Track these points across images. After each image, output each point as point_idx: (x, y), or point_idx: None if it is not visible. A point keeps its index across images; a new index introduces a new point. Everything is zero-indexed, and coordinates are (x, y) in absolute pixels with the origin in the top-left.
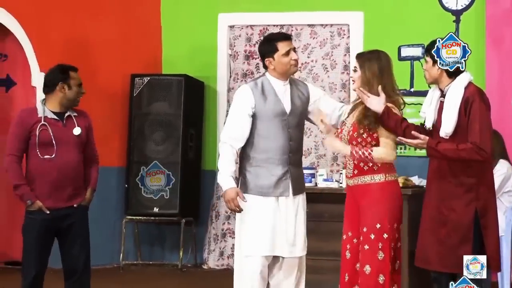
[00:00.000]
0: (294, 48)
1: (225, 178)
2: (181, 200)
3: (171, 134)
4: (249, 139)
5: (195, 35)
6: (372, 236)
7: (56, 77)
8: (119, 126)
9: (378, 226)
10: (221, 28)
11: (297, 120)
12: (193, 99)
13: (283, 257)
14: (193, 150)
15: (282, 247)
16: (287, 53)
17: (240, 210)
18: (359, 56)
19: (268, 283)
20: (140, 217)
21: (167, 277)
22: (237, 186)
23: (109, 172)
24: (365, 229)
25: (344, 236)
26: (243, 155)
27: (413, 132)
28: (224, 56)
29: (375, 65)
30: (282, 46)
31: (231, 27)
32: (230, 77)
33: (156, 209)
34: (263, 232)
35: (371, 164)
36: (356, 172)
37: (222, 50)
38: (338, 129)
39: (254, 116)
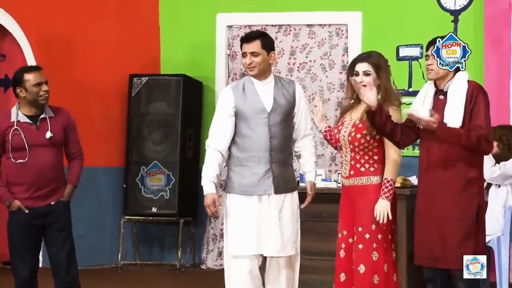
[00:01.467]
0: (253, 52)
1: (206, 183)
2: (179, 200)
3: (169, 134)
4: (233, 138)
5: (193, 35)
6: (367, 236)
7: (13, 81)
8: (117, 126)
9: (373, 226)
10: (220, 28)
11: (280, 118)
12: (191, 99)
13: (270, 257)
14: (191, 150)
15: (267, 246)
16: (243, 55)
17: (216, 217)
18: (374, 62)
19: (264, 284)
20: (139, 217)
21: (165, 277)
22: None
23: (108, 172)
24: (360, 229)
25: (339, 235)
26: (229, 155)
27: (418, 114)
28: (223, 56)
29: (386, 70)
30: (242, 48)
31: (230, 27)
32: (229, 77)
33: (154, 209)
34: (247, 232)
35: (367, 165)
36: (352, 173)
37: (221, 50)
38: (329, 128)
39: (236, 116)
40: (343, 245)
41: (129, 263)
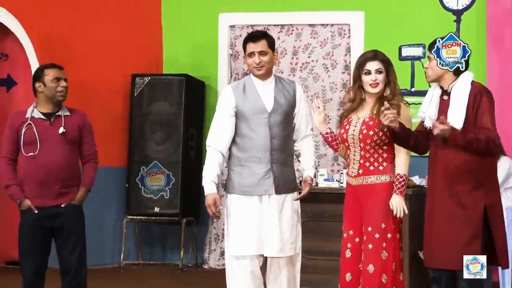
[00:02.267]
0: (261, 51)
1: (207, 183)
2: (182, 200)
3: (171, 134)
4: (234, 138)
5: (196, 35)
6: (377, 236)
7: (33, 78)
8: (120, 126)
9: (383, 226)
10: (222, 28)
11: (280, 118)
12: (193, 99)
13: (271, 257)
14: (194, 150)
15: (267, 246)
16: (249, 55)
17: (217, 217)
18: (383, 59)
19: (265, 284)
20: (141, 217)
21: (168, 277)
22: (225, 186)
23: (110, 172)
24: (370, 229)
25: (345, 235)
26: (229, 155)
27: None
28: (225, 56)
29: (393, 67)
30: (247, 48)
31: (232, 27)
32: (231, 77)
33: (157, 209)
34: (248, 232)
35: (377, 164)
36: (361, 171)
37: (223, 50)
38: (330, 130)
39: (236, 116)
40: (349, 245)
41: (131, 263)
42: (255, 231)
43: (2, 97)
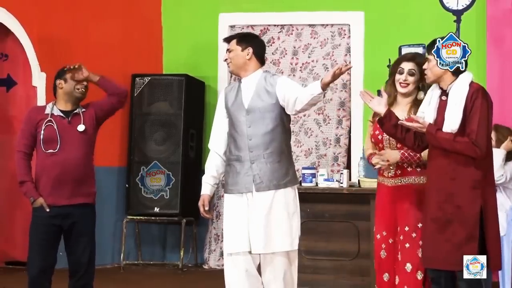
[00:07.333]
0: (228, 49)
1: (202, 185)
2: (182, 200)
3: (171, 134)
4: (228, 139)
5: (196, 35)
6: (414, 235)
7: (55, 77)
8: (120, 126)
9: (419, 225)
10: (222, 28)
11: (258, 116)
12: (193, 99)
13: (259, 253)
14: (193, 150)
15: (252, 242)
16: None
17: (207, 218)
18: (420, 64)
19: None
20: (141, 217)
21: (167, 277)
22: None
23: (110, 172)
24: (407, 228)
25: (378, 236)
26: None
27: (412, 115)
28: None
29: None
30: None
31: (232, 27)
32: (231, 77)
33: (157, 209)
34: (236, 229)
35: (414, 165)
36: (399, 172)
37: (223, 50)
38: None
39: (228, 116)
40: (383, 246)
41: (131, 263)
42: (244, 228)
43: (2, 97)
